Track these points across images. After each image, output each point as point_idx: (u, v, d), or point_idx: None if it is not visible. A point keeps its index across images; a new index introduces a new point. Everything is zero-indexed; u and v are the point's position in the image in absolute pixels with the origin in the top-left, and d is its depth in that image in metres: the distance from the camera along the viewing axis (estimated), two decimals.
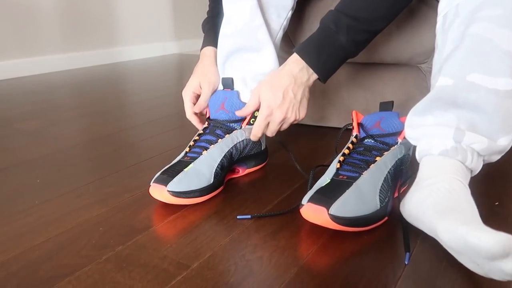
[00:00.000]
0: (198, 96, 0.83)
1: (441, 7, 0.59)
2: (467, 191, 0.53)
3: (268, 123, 0.73)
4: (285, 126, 0.74)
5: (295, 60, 0.71)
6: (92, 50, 2.57)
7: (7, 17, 2.13)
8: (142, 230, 0.61)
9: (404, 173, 0.68)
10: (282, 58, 1.09)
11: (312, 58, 0.69)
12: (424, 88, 0.94)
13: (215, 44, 0.84)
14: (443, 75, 0.56)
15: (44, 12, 2.30)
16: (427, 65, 0.93)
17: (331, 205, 0.56)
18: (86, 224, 0.64)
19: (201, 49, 0.88)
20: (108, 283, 0.50)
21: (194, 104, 0.83)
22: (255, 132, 0.74)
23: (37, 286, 0.50)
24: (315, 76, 0.71)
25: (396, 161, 0.65)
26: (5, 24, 2.14)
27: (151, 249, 0.56)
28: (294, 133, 1.06)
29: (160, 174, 0.69)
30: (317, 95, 1.07)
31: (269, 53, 0.78)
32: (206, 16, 0.91)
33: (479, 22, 0.53)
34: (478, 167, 0.57)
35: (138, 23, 2.85)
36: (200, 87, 0.82)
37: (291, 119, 0.72)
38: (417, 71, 0.95)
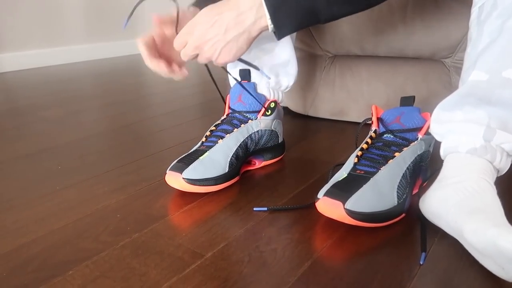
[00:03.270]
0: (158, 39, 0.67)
1: None
2: (494, 192, 0.52)
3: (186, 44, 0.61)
4: (200, 59, 0.62)
5: None
6: (115, 41, 2.61)
7: (32, 8, 2.18)
8: (159, 218, 0.62)
9: (423, 170, 0.67)
10: (298, 49, 1.09)
11: None
12: (447, 84, 0.91)
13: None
14: (477, 69, 0.54)
15: (69, 2, 2.33)
16: (451, 60, 0.90)
17: (347, 200, 0.56)
18: (105, 210, 0.65)
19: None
20: (124, 269, 0.51)
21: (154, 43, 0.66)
22: (175, 43, 0.62)
23: (56, 269, 0.51)
24: (263, 23, 0.57)
25: (415, 158, 0.64)
26: (30, 15, 2.18)
27: (167, 237, 0.57)
28: (313, 127, 1.05)
29: (176, 162, 0.70)
30: (336, 88, 1.06)
31: (285, 43, 0.76)
32: None
33: None
34: (506, 167, 0.55)
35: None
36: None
37: (206, 53, 0.60)
38: (440, 66, 0.92)
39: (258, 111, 0.78)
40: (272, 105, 0.79)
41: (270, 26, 0.58)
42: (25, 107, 1.35)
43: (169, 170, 0.69)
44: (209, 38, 0.59)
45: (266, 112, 0.78)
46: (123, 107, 1.31)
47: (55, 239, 0.58)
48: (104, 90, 1.61)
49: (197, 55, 0.62)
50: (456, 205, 0.50)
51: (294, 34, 0.80)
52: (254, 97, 0.77)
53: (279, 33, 0.58)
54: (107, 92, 1.57)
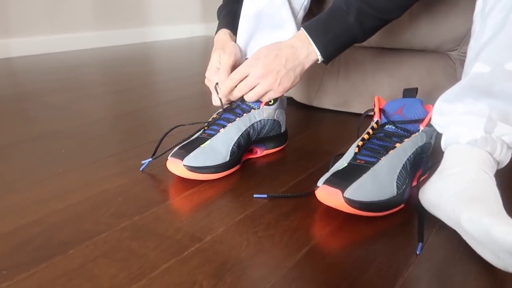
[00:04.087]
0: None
1: None
2: (493, 183, 0.52)
3: (244, 78, 0.70)
4: (258, 90, 0.70)
5: (299, 35, 0.70)
6: (121, 29, 2.61)
7: None
8: (159, 203, 0.63)
9: (424, 161, 0.67)
10: None
11: (317, 34, 0.68)
12: (452, 77, 0.91)
13: (230, 28, 0.83)
14: (480, 61, 0.54)
15: None
16: (457, 53, 0.90)
17: (346, 188, 0.56)
18: (106, 193, 0.66)
19: (216, 33, 0.85)
20: (123, 250, 0.51)
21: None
22: (233, 75, 0.70)
23: (57, 249, 0.52)
24: (315, 56, 0.69)
25: (416, 149, 0.64)
26: (38, 1, 2.19)
27: (167, 221, 0.58)
28: (316, 117, 1.05)
29: (178, 149, 0.71)
30: (340, 79, 1.05)
31: (292, 30, 0.77)
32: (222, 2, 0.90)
33: None
34: (506, 160, 0.55)
35: (167, 4, 2.87)
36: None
37: (267, 82, 0.69)
38: (446, 59, 0.92)
39: (261, 101, 0.78)
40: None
41: (320, 59, 0.70)
42: (31, 92, 1.36)
43: (171, 156, 0.70)
44: (273, 68, 0.68)
45: (269, 102, 0.78)
46: (127, 94, 1.32)
47: (57, 220, 0.58)
48: (109, 77, 1.61)
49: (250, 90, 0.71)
50: (455, 195, 0.50)
51: (299, 22, 0.81)
52: None
53: (327, 61, 0.71)
54: (112, 79, 1.57)
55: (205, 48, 2.48)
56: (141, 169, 0.74)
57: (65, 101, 1.24)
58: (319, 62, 0.71)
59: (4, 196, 0.66)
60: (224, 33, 0.83)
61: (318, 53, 0.69)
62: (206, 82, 0.81)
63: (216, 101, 0.79)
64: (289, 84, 0.70)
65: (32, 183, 0.70)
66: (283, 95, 0.82)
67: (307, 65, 0.70)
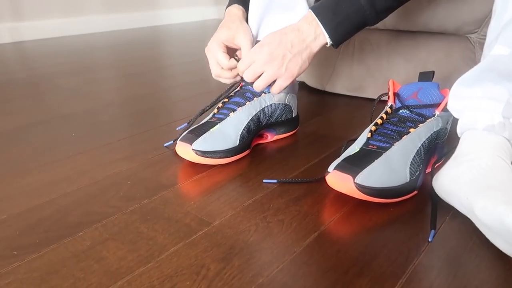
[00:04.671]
0: (229, 49, 0.75)
1: None
2: (510, 171, 0.51)
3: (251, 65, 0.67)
4: (264, 78, 0.67)
5: (307, 17, 0.66)
6: (132, 12, 2.60)
7: None
8: (168, 186, 0.63)
9: (439, 148, 0.66)
10: None
11: (326, 16, 0.65)
12: (471, 61, 0.89)
13: (243, 5, 0.79)
14: (500, 43, 0.52)
15: None
16: (477, 36, 0.87)
17: (357, 174, 0.55)
18: (116, 177, 0.67)
19: (226, 8, 0.81)
20: (132, 232, 0.52)
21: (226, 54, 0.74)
22: (239, 64, 0.69)
23: (67, 230, 0.53)
24: (323, 39, 0.66)
25: (431, 134, 0.63)
26: None
27: (175, 205, 0.58)
28: (329, 102, 1.04)
29: (187, 133, 0.71)
30: (354, 63, 1.04)
31: (304, 12, 0.75)
32: None
33: None
34: None
35: None
36: (234, 43, 0.75)
37: (273, 68, 0.66)
38: (465, 42, 0.89)
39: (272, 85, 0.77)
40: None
41: (329, 42, 0.67)
42: (42, 76, 1.37)
43: (180, 140, 0.70)
44: (278, 54, 0.66)
45: None
46: (138, 78, 1.32)
47: (67, 202, 0.59)
48: (120, 61, 1.62)
49: (258, 77, 0.68)
50: (469, 182, 0.49)
51: (312, 3, 0.79)
52: None
53: (336, 45, 0.68)
54: (123, 63, 1.58)
55: None
56: (165, 145, 0.76)
57: (76, 84, 1.25)
58: (327, 45, 0.68)
59: (16, 178, 0.67)
60: (237, 9, 0.79)
61: (327, 36, 0.66)
62: (206, 50, 0.78)
63: (215, 73, 0.75)
64: (297, 69, 0.67)
65: (43, 166, 0.71)
66: (294, 79, 0.81)
67: (315, 49, 0.67)
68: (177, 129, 0.75)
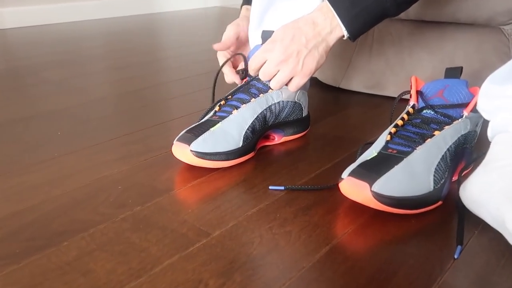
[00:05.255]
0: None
1: None
2: None
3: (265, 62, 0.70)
4: (279, 78, 0.69)
5: (321, 8, 0.67)
6: None
7: None
8: (163, 192, 0.63)
9: (467, 153, 0.66)
10: None
11: (342, 7, 0.66)
12: (505, 55, 0.88)
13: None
14: None
15: None
16: (511, 27, 0.87)
17: (375, 181, 0.55)
18: (105, 181, 0.67)
19: (241, 6, 0.88)
20: (122, 243, 0.52)
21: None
22: (250, 63, 0.71)
23: (50, 239, 0.53)
24: (340, 32, 0.67)
25: (458, 138, 0.62)
26: None
27: (171, 213, 0.58)
28: (344, 101, 1.04)
29: (185, 132, 0.71)
30: (373, 57, 1.04)
31: (316, 1, 0.75)
32: None
33: None
34: None
35: None
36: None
37: (289, 67, 0.67)
38: (498, 34, 0.89)
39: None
40: None
41: (346, 35, 0.68)
42: (26, 67, 1.38)
43: (176, 140, 0.70)
44: (292, 50, 0.66)
45: None
46: (132, 71, 1.33)
47: (51, 207, 0.60)
48: (113, 51, 1.63)
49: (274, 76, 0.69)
50: (500, 191, 0.49)
51: None
52: None
53: (354, 38, 0.69)
54: (116, 54, 1.59)
55: (220, 20, 2.47)
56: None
57: (63, 77, 1.26)
58: (344, 38, 0.70)
59: None
60: (247, 9, 0.85)
61: (344, 28, 0.67)
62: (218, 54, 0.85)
63: (229, 79, 0.81)
64: (314, 65, 0.68)
65: (26, 167, 0.71)
66: None
67: (331, 42, 0.68)
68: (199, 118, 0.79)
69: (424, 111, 0.66)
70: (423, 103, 0.67)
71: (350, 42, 1.05)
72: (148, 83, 1.20)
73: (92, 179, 0.68)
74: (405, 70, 1.00)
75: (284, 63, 0.67)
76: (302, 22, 0.68)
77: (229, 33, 0.84)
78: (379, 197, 0.55)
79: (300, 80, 0.69)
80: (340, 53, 1.08)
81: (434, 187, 0.58)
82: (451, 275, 0.47)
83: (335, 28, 0.67)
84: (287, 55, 0.67)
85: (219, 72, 0.82)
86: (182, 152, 0.68)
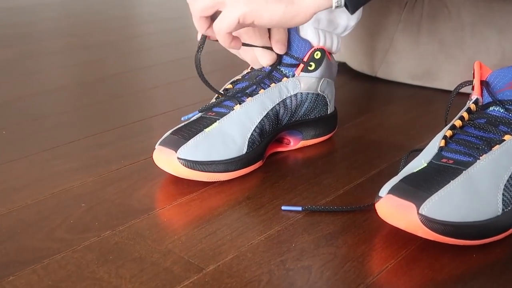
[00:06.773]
0: None
1: None
2: None
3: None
4: (228, 14, 0.63)
5: None
6: None
7: None
8: (141, 213, 0.64)
9: None
10: None
11: None
12: None
13: None
14: None
15: None
16: None
17: (424, 201, 0.55)
18: (64, 196, 0.67)
19: None
20: (86, 279, 0.52)
21: None
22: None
23: None
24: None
25: None
26: None
27: (151, 240, 0.59)
28: (383, 94, 1.04)
29: (171, 134, 0.71)
30: (422, 37, 1.04)
31: None
32: None
33: None
34: None
35: None
36: None
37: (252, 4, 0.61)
38: None
39: (297, 65, 0.78)
40: (318, 55, 0.78)
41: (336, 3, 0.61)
42: None
43: (159, 144, 0.71)
44: None
45: (308, 67, 0.77)
46: (100, 52, 1.33)
47: None
48: (77, 25, 1.64)
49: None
50: None
51: None
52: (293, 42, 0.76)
53: (352, 10, 0.62)
54: (80, 29, 1.59)
55: None
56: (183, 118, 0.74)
57: (10, 58, 1.27)
58: (333, 8, 0.63)
59: None
60: None
61: None
62: None
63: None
64: (275, 13, 0.61)
65: None
66: (330, 56, 0.82)
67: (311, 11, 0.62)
68: (182, 119, 0.73)
69: (491, 108, 0.66)
70: (489, 97, 0.67)
71: (390, 16, 1.06)
72: (121, 68, 1.20)
73: (46, 194, 0.68)
74: (465, 54, 1.00)
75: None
76: None
77: None
78: (429, 222, 0.55)
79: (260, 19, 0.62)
80: (378, 31, 1.08)
81: (503, 210, 0.58)
82: None
83: None
84: None
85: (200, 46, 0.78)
86: (167, 160, 0.69)
